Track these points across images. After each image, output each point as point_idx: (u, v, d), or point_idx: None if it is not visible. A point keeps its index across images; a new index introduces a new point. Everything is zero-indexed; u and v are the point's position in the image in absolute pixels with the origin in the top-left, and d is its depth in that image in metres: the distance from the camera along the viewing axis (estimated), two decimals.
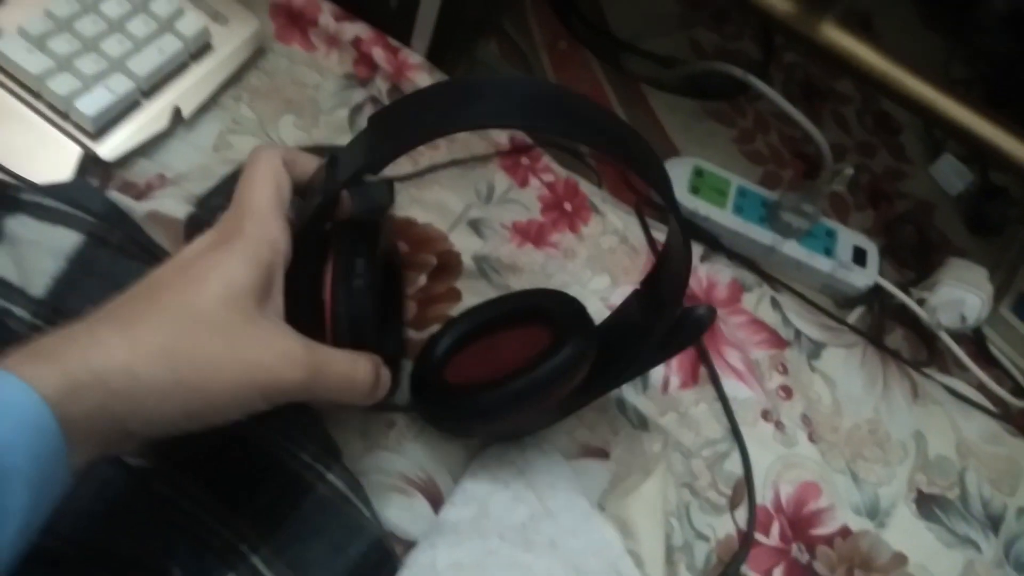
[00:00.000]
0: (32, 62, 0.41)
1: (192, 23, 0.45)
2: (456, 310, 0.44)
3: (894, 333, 0.59)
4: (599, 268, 0.48)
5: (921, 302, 0.58)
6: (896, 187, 0.67)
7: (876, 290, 0.58)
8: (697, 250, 0.52)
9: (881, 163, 0.68)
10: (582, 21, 0.65)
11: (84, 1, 0.43)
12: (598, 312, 0.46)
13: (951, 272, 0.59)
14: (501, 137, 0.51)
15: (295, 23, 0.49)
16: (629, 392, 0.44)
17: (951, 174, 0.68)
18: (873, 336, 0.56)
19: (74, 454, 0.26)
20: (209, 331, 0.28)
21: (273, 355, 0.29)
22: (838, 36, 0.54)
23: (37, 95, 0.42)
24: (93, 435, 0.26)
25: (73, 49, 0.42)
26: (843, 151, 0.67)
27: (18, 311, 0.38)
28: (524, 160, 0.51)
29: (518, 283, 0.46)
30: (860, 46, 0.54)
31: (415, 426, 0.40)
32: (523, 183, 0.50)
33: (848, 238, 0.59)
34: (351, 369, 0.32)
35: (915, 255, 0.64)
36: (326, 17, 0.48)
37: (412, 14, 0.47)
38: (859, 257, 0.58)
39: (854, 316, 0.58)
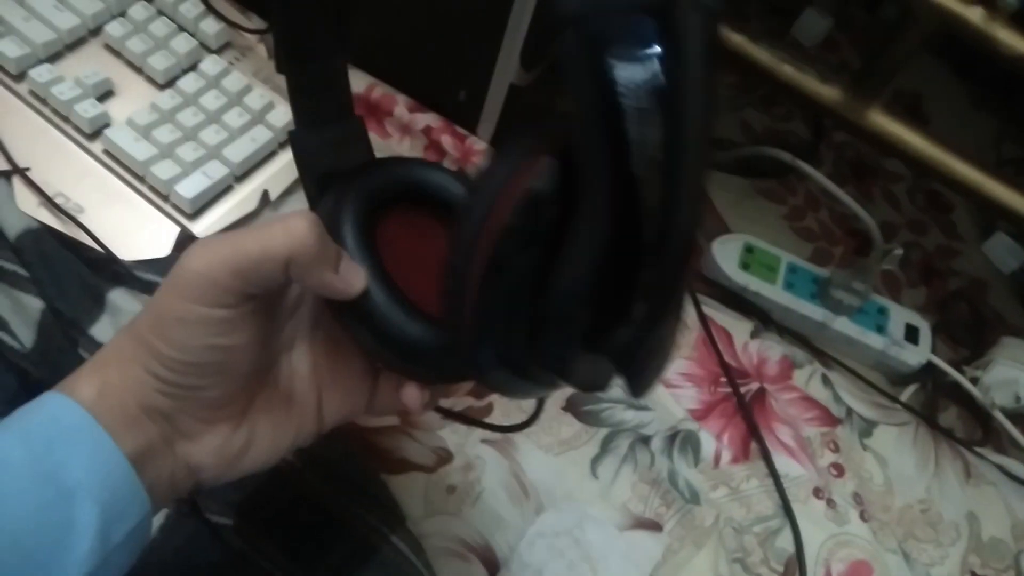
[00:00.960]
0: (138, 150, 0.46)
1: (282, 115, 0.49)
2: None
3: (948, 411, 0.59)
4: None
5: (975, 380, 0.58)
6: (948, 264, 0.68)
7: (929, 368, 0.59)
8: (747, 326, 0.53)
9: (933, 240, 0.69)
10: None
11: (186, 95, 0.48)
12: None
13: (1005, 351, 0.59)
14: None
15: (372, 113, 0.53)
16: (681, 465, 0.45)
17: (1004, 252, 0.69)
18: (926, 414, 0.56)
19: (126, 443, 0.27)
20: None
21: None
22: (886, 122, 0.56)
23: (142, 179, 0.46)
24: (139, 422, 0.28)
25: (175, 138, 0.47)
26: (894, 229, 0.69)
27: None
28: None
29: None
30: (908, 132, 0.56)
31: (473, 491, 0.42)
32: None
33: (900, 315, 0.60)
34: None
35: (969, 333, 0.64)
36: (400, 108, 0.52)
37: (479, 106, 0.51)
38: (911, 335, 0.59)
39: (907, 394, 0.58)
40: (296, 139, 0.34)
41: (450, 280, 0.26)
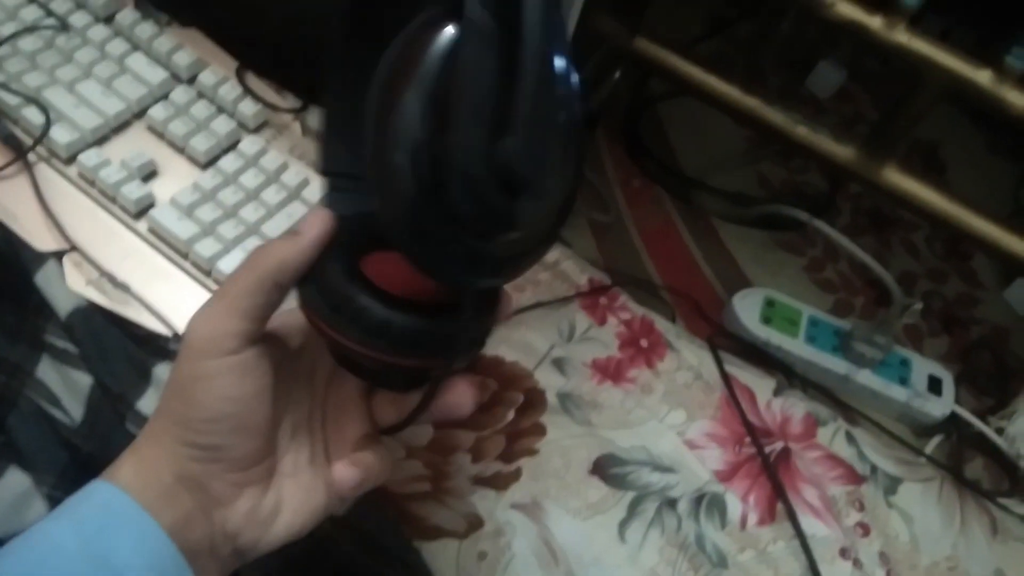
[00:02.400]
0: (182, 228, 0.48)
1: (317, 190, 0.52)
2: (541, 444, 0.48)
3: (974, 462, 0.59)
4: (675, 403, 0.51)
5: (1000, 431, 0.58)
6: (970, 313, 0.68)
7: (954, 419, 0.59)
8: (770, 383, 0.54)
9: (953, 289, 0.69)
10: (653, 160, 0.70)
11: (226, 174, 0.51)
12: (674, 447, 0.49)
13: None
14: (581, 279, 0.55)
15: None
16: (708, 528, 0.46)
17: None
18: (952, 466, 0.57)
19: (164, 517, 0.30)
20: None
21: None
22: (901, 179, 0.57)
23: (185, 256, 0.49)
24: (175, 493, 0.30)
25: (216, 216, 0.49)
26: (914, 278, 0.69)
27: None
28: (602, 300, 0.55)
29: (599, 419, 0.49)
30: (923, 188, 0.57)
31: (504, 558, 0.44)
32: (602, 322, 0.54)
33: (923, 367, 0.60)
34: None
35: (993, 382, 0.64)
36: None
37: None
38: (934, 386, 0.59)
39: (932, 445, 0.58)
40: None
41: (375, 133, 0.28)
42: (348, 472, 0.33)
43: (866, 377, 0.58)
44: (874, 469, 0.51)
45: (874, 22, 0.51)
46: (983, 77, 0.51)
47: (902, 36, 0.51)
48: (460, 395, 0.34)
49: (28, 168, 0.50)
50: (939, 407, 0.58)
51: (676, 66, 0.60)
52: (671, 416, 0.50)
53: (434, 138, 0.27)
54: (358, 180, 0.31)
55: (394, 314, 0.30)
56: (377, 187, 0.28)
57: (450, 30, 0.27)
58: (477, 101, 0.26)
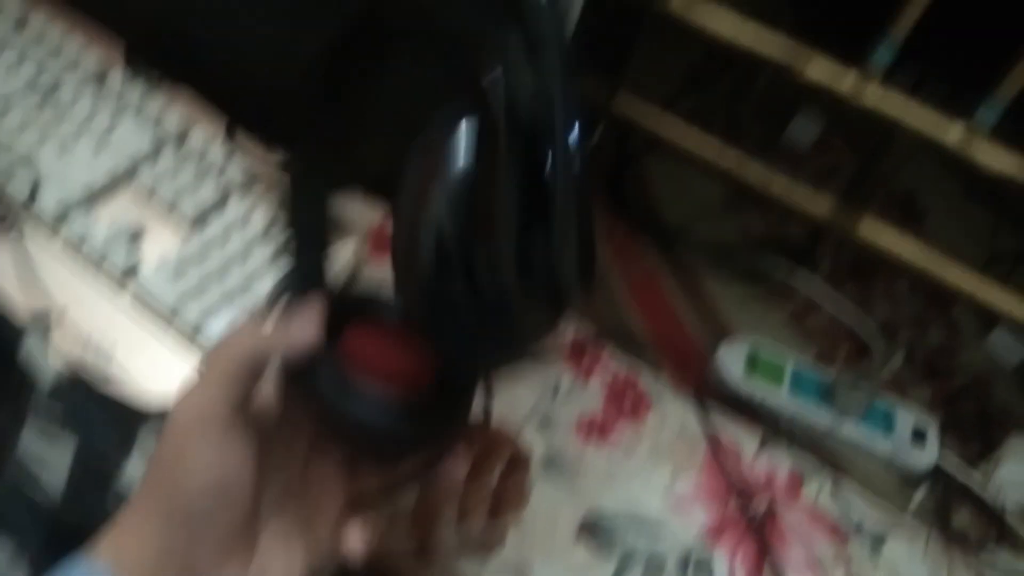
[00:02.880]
0: (168, 291, 0.49)
1: None
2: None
3: (961, 512, 0.59)
4: (660, 461, 0.51)
5: (985, 481, 0.59)
6: (952, 361, 0.69)
7: (939, 468, 0.59)
8: (755, 437, 0.54)
9: (935, 337, 0.70)
10: (637, 212, 0.71)
11: (214, 234, 0.52)
12: (660, 506, 0.49)
13: (1013, 450, 0.60)
14: (565, 335, 0.56)
15: (387, 247, 0.56)
16: None
17: (1006, 347, 0.70)
18: (938, 517, 0.57)
19: None
20: None
21: None
22: (877, 232, 0.58)
23: (170, 320, 0.49)
24: (160, 567, 0.30)
25: (202, 278, 0.50)
26: (895, 326, 0.70)
27: None
28: (587, 356, 0.55)
29: (584, 480, 0.49)
30: (900, 240, 0.58)
31: None
32: (586, 378, 0.54)
33: (907, 417, 0.61)
34: None
35: (976, 429, 0.65)
36: None
37: None
38: (918, 437, 0.60)
39: (917, 496, 0.58)
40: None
41: (400, 235, 0.31)
42: (356, 535, 0.34)
43: (851, 429, 0.59)
44: (859, 526, 0.51)
45: (845, 84, 0.53)
46: (953, 134, 0.52)
47: (873, 96, 0.53)
48: (452, 464, 0.35)
49: (15, 232, 0.50)
50: (924, 458, 0.59)
51: (655, 123, 0.61)
52: (656, 474, 0.50)
53: (464, 232, 0.29)
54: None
55: (393, 417, 0.32)
56: (404, 279, 0.31)
57: (474, 129, 0.30)
58: (507, 206, 0.28)
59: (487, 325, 0.30)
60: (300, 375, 0.32)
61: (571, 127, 0.29)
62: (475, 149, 0.30)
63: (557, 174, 0.28)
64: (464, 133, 0.30)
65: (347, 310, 0.35)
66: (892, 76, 0.53)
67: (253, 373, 0.32)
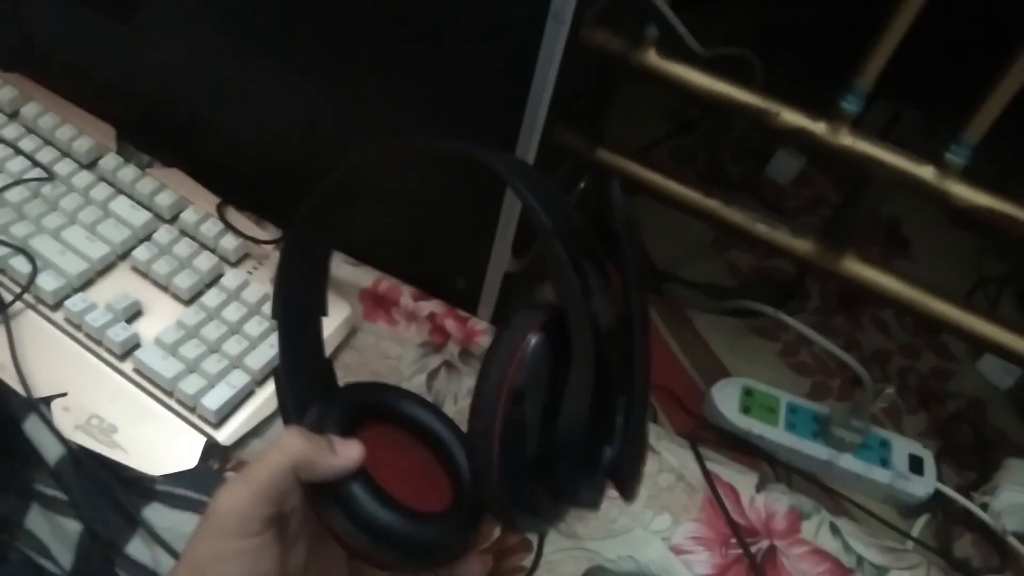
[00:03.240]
0: (166, 367, 0.50)
1: None
2: (529, 560, 0.48)
3: (963, 539, 0.59)
4: (659, 507, 0.52)
5: (984, 506, 0.59)
6: (945, 386, 0.70)
7: (938, 496, 0.60)
8: (752, 478, 0.55)
9: (927, 364, 0.71)
10: None
11: (209, 309, 0.53)
12: (661, 554, 0.50)
13: (1010, 475, 0.60)
14: None
15: (380, 304, 0.57)
16: None
17: (999, 369, 0.71)
18: (940, 546, 0.57)
19: None
20: None
21: None
22: (860, 268, 0.59)
23: (170, 394, 0.50)
24: None
25: (200, 352, 0.51)
26: (886, 355, 0.71)
27: None
28: None
29: (584, 530, 0.50)
30: (883, 275, 0.59)
31: None
32: None
33: (903, 446, 0.61)
34: None
35: (974, 455, 0.65)
36: (406, 298, 0.57)
37: (478, 292, 0.55)
38: (916, 465, 0.60)
39: (919, 525, 0.59)
40: (278, 375, 0.40)
41: (477, 438, 0.34)
42: None
43: (848, 461, 0.59)
44: (860, 560, 0.52)
45: (818, 128, 0.54)
46: (926, 173, 0.54)
47: (846, 139, 0.54)
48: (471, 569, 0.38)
49: (9, 321, 0.51)
50: (922, 486, 0.59)
51: (637, 174, 0.62)
52: (656, 522, 0.51)
53: (544, 429, 0.34)
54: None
55: (419, 536, 0.35)
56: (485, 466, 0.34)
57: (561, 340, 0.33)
58: (582, 411, 0.32)
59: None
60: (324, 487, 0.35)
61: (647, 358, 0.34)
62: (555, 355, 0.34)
63: (634, 397, 0.33)
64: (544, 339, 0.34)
65: (364, 409, 0.39)
66: (862, 122, 0.55)
67: (294, 482, 0.34)
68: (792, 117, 0.55)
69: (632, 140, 0.65)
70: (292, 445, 0.34)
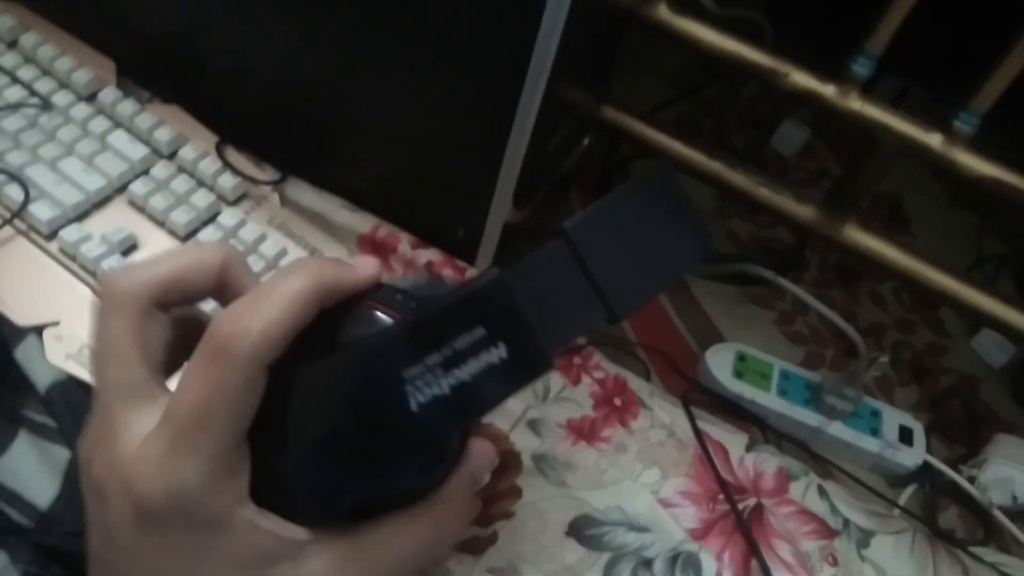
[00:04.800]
0: None
1: (292, 258, 0.53)
2: (517, 506, 0.48)
3: (948, 511, 0.60)
4: (649, 462, 0.52)
5: (972, 479, 0.59)
6: (939, 362, 0.70)
7: (926, 468, 0.60)
8: (743, 439, 0.55)
9: (922, 339, 0.71)
10: None
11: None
12: (649, 506, 0.50)
13: (999, 450, 0.60)
14: None
15: (378, 251, 0.57)
16: None
17: (993, 347, 0.71)
18: (926, 516, 0.57)
19: None
20: None
21: None
22: (861, 236, 0.59)
23: None
24: None
25: None
26: (882, 329, 0.71)
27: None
28: (576, 359, 0.56)
29: (574, 480, 0.50)
30: (884, 245, 0.59)
31: None
32: (576, 381, 0.55)
33: (894, 417, 0.61)
34: None
35: (963, 430, 0.66)
36: (404, 245, 0.56)
37: (477, 242, 0.55)
38: (905, 436, 0.61)
39: (905, 495, 0.59)
40: None
41: None
42: None
43: (838, 429, 0.60)
44: (847, 523, 0.52)
45: (827, 91, 0.54)
46: (934, 140, 0.53)
47: (855, 103, 0.54)
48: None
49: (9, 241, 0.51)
50: (911, 457, 0.60)
51: (642, 133, 0.62)
52: (645, 475, 0.51)
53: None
54: None
55: None
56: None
57: None
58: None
59: None
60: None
61: None
62: None
63: None
64: None
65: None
66: (873, 87, 0.54)
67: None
68: (801, 79, 0.54)
69: (637, 104, 0.65)
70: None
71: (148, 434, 0.26)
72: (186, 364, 0.26)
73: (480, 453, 0.31)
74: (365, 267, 0.28)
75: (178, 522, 0.25)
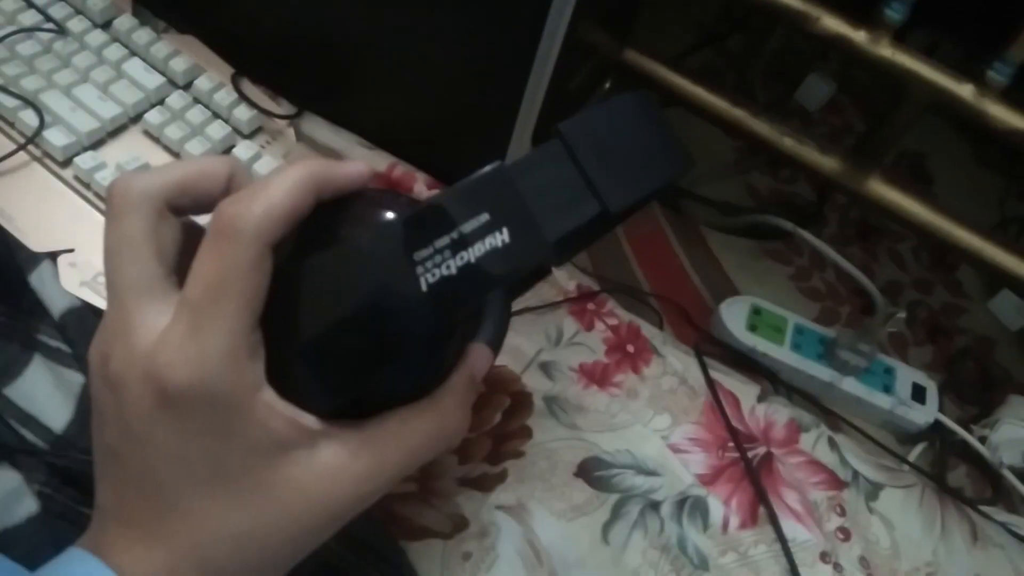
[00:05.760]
0: None
1: None
2: (527, 446, 0.48)
3: (957, 470, 0.60)
4: (660, 408, 0.52)
5: (983, 439, 0.59)
6: (955, 323, 0.69)
7: (937, 427, 0.60)
8: (754, 389, 0.55)
9: (939, 299, 0.70)
10: None
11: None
12: (658, 451, 0.50)
13: (1012, 410, 0.60)
14: (569, 285, 0.56)
15: (393, 188, 0.56)
16: (691, 531, 0.47)
17: (1011, 309, 0.70)
18: (935, 474, 0.57)
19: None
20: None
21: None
22: (886, 190, 0.58)
23: None
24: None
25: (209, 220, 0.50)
26: (899, 288, 0.70)
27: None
28: (590, 305, 0.56)
29: (584, 422, 0.50)
30: (908, 199, 0.58)
31: (488, 558, 0.44)
32: (589, 327, 0.55)
33: (907, 375, 0.61)
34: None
35: (976, 391, 0.65)
36: (419, 185, 0.55)
37: None
38: (918, 394, 0.60)
39: (915, 453, 0.59)
40: None
41: None
42: None
43: (850, 385, 0.59)
44: (856, 475, 0.52)
45: (859, 36, 0.52)
46: (965, 91, 0.52)
47: (886, 50, 0.52)
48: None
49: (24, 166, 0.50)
50: (923, 415, 0.59)
51: (665, 78, 0.61)
52: (656, 420, 0.51)
53: None
54: None
55: None
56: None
57: None
58: None
59: None
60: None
61: None
62: None
63: None
64: None
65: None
66: (904, 37, 0.53)
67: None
68: (833, 23, 0.53)
69: (660, 51, 0.63)
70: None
71: (167, 324, 0.26)
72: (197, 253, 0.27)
73: (479, 354, 0.32)
74: (356, 165, 0.29)
75: (200, 404, 0.26)
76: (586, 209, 0.28)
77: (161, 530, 0.27)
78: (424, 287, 0.25)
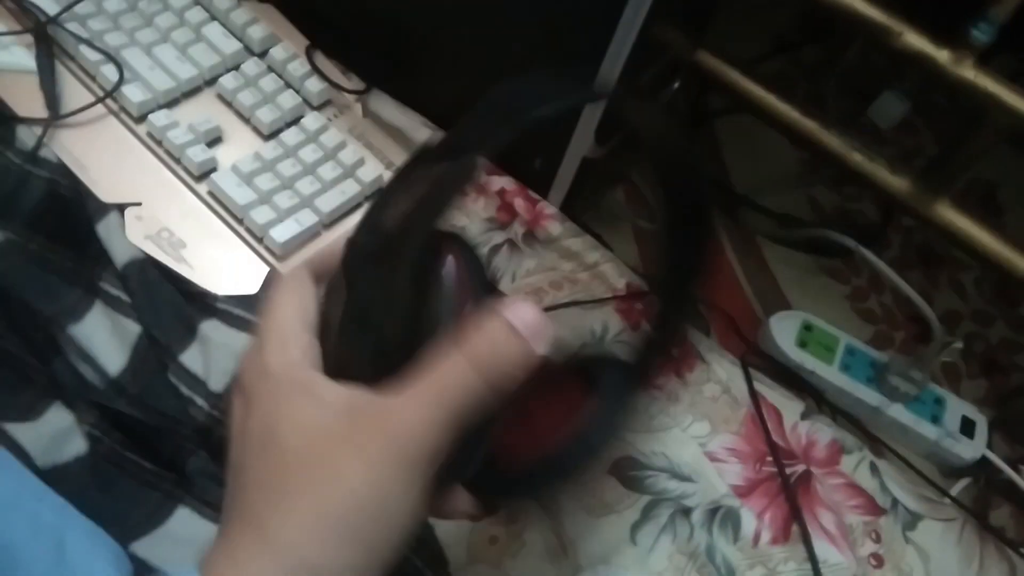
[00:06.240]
0: (240, 194, 0.50)
1: (371, 171, 0.53)
2: None
3: (1000, 509, 0.58)
4: (700, 414, 0.51)
5: None
6: (1012, 359, 0.67)
7: (983, 463, 0.58)
8: (799, 406, 0.54)
9: (997, 333, 0.68)
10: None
11: (287, 147, 0.53)
12: (695, 457, 0.49)
13: None
14: (619, 283, 0.56)
15: None
16: (720, 541, 0.46)
17: None
18: (977, 511, 0.56)
19: None
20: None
21: None
22: (955, 216, 0.56)
23: (240, 221, 0.51)
24: None
25: (274, 186, 0.51)
26: (958, 318, 0.68)
27: (199, 401, 0.45)
28: (638, 305, 0.55)
29: None
30: (977, 227, 0.56)
31: (514, 544, 0.44)
32: (635, 326, 0.54)
33: (957, 407, 0.59)
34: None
35: None
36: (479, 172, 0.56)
37: (552, 173, 0.54)
38: (967, 428, 0.59)
39: (958, 487, 0.57)
40: None
41: None
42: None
43: (898, 411, 0.58)
44: (895, 503, 0.51)
45: (941, 55, 0.51)
46: None
47: (968, 72, 0.51)
48: None
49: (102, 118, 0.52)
50: (970, 450, 0.58)
51: (736, 82, 0.60)
52: (694, 427, 0.50)
53: None
54: None
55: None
56: None
57: None
58: None
59: None
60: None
61: None
62: None
63: None
64: None
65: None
66: (989, 61, 0.51)
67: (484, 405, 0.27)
68: (915, 40, 0.51)
69: (733, 56, 0.62)
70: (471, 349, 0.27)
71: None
72: None
73: (521, 305, 0.28)
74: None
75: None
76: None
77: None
78: None
